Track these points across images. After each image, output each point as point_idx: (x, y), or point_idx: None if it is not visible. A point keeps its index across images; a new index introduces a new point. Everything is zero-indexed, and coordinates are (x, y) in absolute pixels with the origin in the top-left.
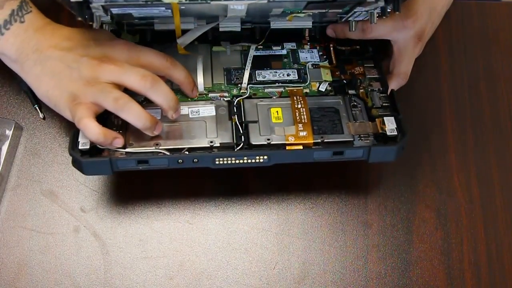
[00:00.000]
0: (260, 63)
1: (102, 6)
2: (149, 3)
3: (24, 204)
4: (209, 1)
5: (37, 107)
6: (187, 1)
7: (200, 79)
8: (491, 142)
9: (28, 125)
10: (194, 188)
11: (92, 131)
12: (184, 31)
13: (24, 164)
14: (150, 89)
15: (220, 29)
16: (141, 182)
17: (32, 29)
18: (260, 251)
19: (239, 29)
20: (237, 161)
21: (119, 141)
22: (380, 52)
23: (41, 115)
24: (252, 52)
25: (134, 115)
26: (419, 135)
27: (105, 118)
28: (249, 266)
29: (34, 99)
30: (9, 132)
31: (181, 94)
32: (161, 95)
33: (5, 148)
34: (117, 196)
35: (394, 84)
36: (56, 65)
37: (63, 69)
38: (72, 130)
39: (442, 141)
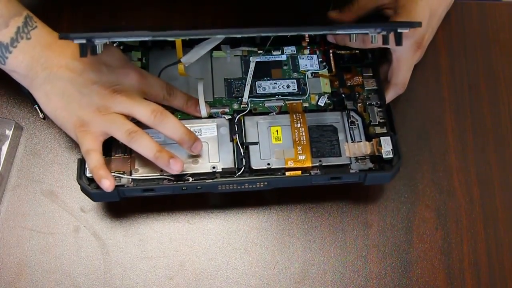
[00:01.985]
0: (260, 70)
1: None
2: (151, 39)
3: (24, 204)
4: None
5: (37, 107)
6: (190, 37)
7: (202, 104)
8: (491, 142)
9: (28, 125)
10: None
11: (92, 166)
12: (183, 40)
13: (24, 164)
14: (159, 125)
15: None
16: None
17: (40, 45)
18: (260, 251)
19: (239, 36)
20: (239, 187)
21: (105, 184)
22: (379, 58)
23: (41, 115)
24: (253, 66)
25: (145, 147)
26: (419, 135)
27: (109, 139)
28: (249, 266)
29: (34, 99)
30: (9, 132)
31: (183, 113)
32: (170, 129)
33: (5, 148)
34: None
35: (391, 94)
36: (66, 87)
37: (73, 93)
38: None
39: (442, 141)
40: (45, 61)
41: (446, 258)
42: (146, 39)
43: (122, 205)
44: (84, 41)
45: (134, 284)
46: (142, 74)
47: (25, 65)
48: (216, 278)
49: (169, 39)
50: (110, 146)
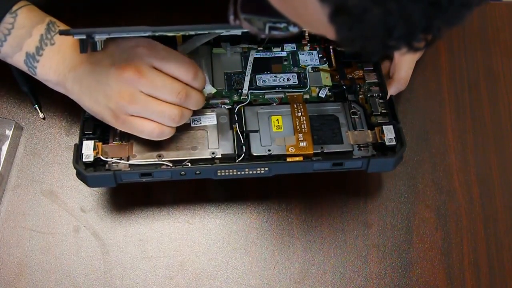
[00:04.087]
0: (260, 65)
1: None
2: (151, 35)
3: (24, 204)
4: (211, 40)
5: (37, 107)
6: (189, 32)
7: (207, 81)
8: (491, 142)
9: (28, 125)
10: (194, 188)
11: (167, 134)
12: (184, 37)
13: (24, 164)
14: (183, 103)
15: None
16: (141, 182)
17: (63, 48)
18: (260, 251)
19: (239, 33)
20: (239, 172)
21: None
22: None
23: (41, 115)
24: (252, 58)
25: (177, 121)
26: (419, 135)
27: (107, 126)
28: (249, 266)
29: (34, 99)
30: (9, 132)
31: None
32: (194, 104)
33: (5, 148)
34: (117, 196)
35: (393, 90)
36: (90, 82)
37: (96, 85)
38: (71, 132)
39: (442, 141)
40: (69, 62)
41: (446, 258)
42: (146, 34)
43: (122, 205)
44: (84, 36)
45: (134, 284)
46: (153, 46)
47: (53, 71)
48: (216, 278)
49: (169, 34)
50: (108, 133)
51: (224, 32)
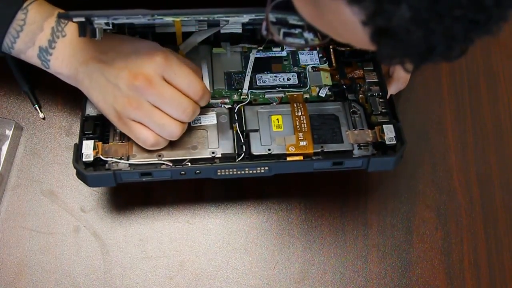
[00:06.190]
0: (260, 65)
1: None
2: (151, 20)
3: (24, 204)
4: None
5: (37, 107)
6: (189, 18)
7: (206, 83)
8: (491, 142)
9: (28, 125)
10: (194, 188)
11: (177, 134)
12: (185, 34)
13: (24, 164)
14: (189, 120)
15: (221, 31)
16: (141, 182)
17: (75, 40)
18: (260, 251)
19: (240, 31)
20: (239, 172)
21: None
22: None
23: (41, 115)
24: (253, 58)
25: (175, 137)
26: (419, 135)
27: (107, 125)
28: (249, 266)
29: (34, 99)
30: (9, 132)
31: None
32: (192, 119)
33: (5, 148)
34: (117, 196)
35: (393, 89)
36: (100, 79)
37: (106, 84)
38: (71, 132)
39: (442, 141)
40: (81, 55)
41: (446, 258)
42: (145, 19)
43: (122, 205)
44: (83, 19)
45: (134, 284)
46: (169, 61)
47: (65, 64)
48: (216, 278)
49: (168, 18)
50: (108, 133)
51: (224, 18)
